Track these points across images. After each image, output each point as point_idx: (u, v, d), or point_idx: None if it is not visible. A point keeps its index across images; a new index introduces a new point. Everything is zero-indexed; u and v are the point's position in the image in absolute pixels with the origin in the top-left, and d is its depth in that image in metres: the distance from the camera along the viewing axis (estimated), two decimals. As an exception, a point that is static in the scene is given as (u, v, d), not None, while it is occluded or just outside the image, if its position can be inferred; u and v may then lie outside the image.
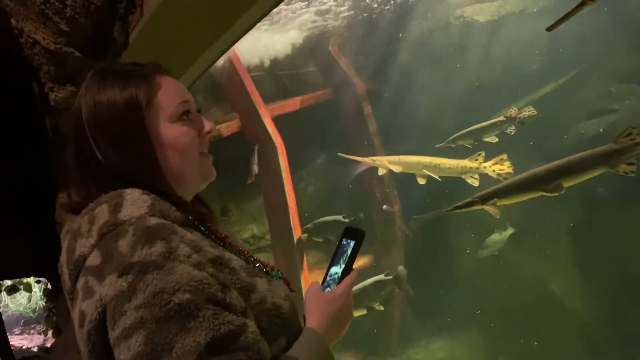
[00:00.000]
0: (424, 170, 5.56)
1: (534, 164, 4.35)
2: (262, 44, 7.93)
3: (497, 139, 6.12)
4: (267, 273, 1.36)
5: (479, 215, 7.27)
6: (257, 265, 1.37)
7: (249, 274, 1.24)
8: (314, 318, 1.35)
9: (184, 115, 1.35)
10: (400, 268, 6.85)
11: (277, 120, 7.06)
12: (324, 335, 1.32)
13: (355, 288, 6.32)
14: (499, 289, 7.44)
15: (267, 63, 8.22)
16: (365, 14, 8.19)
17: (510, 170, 4.86)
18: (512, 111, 6.09)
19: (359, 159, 6.14)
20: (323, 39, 8.51)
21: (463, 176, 5.44)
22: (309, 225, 7.04)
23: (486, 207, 3.85)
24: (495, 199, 3.73)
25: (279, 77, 8.97)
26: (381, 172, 6.34)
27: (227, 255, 1.25)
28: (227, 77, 7.13)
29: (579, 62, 6.90)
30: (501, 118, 6.11)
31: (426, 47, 8.10)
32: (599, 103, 6.85)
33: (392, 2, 7.95)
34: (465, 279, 7.79)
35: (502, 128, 6.13)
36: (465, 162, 5.51)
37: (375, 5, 7.95)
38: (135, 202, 1.23)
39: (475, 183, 5.21)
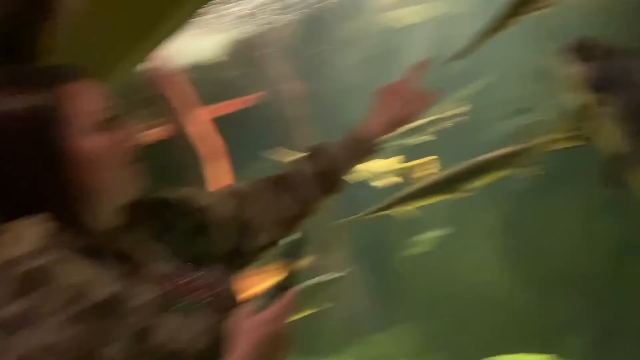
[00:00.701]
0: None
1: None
2: (195, 46, 7.84)
3: (432, 137, 6.31)
4: (189, 303, 1.23)
5: (416, 214, 7.55)
6: (178, 293, 1.24)
7: (154, 311, 1.14)
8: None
9: (104, 125, 1.25)
10: (345, 268, 6.90)
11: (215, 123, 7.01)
12: None
13: (302, 286, 6.37)
14: (434, 285, 7.72)
15: (199, 65, 8.13)
16: (298, 17, 8.28)
17: (434, 170, 4.95)
18: (446, 111, 6.29)
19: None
20: (256, 42, 8.52)
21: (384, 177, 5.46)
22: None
23: (403, 209, 4.00)
24: (404, 203, 3.89)
25: (214, 79, 8.89)
26: None
27: (128, 292, 1.13)
28: (158, 78, 6.99)
29: (499, 64, 7.26)
30: (434, 117, 6.31)
31: (357, 50, 8.30)
32: (518, 103, 7.25)
33: (322, 5, 8.07)
34: (401, 276, 8.02)
35: (436, 127, 6.31)
36: (389, 163, 5.53)
37: (306, 8, 8.04)
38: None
39: (388, 182, 5.27)
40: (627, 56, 1.91)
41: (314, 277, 6.77)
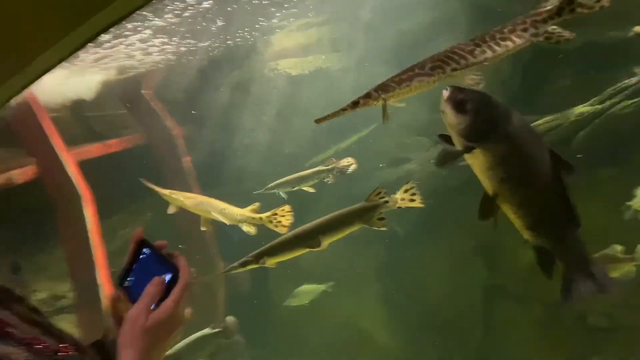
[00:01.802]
0: (213, 214, 5.40)
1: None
2: (66, 83, 7.30)
3: (313, 189, 6.34)
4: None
5: (297, 263, 7.55)
6: (45, 353, 1.13)
7: None
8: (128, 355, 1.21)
9: None
10: (229, 318, 6.63)
11: (84, 166, 6.49)
12: None
13: (177, 346, 5.96)
14: (317, 332, 7.71)
15: (71, 104, 7.57)
16: (181, 59, 8.10)
17: (288, 222, 4.95)
18: (332, 161, 6.38)
19: (157, 188, 5.73)
20: (135, 81, 8.18)
21: (240, 225, 5.35)
22: None
23: (261, 265, 4.00)
24: (266, 257, 3.89)
25: (85, 119, 8.33)
26: (171, 209, 5.84)
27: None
28: (20, 118, 6.37)
29: (380, 116, 7.64)
30: (321, 168, 6.37)
31: (242, 95, 8.29)
32: (397, 153, 7.64)
33: (210, 50, 8.00)
34: (284, 326, 7.92)
35: (321, 177, 6.36)
36: (245, 211, 5.42)
37: (192, 51, 7.91)
38: None
39: (252, 231, 5.23)
40: (497, 107, 2.08)
41: (194, 332, 6.44)
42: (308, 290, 7.27)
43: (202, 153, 8.10)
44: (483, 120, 2.06)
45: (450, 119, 2.11)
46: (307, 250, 3.91)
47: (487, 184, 2.20)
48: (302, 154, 7.87)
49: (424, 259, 7.23)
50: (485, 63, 2.61)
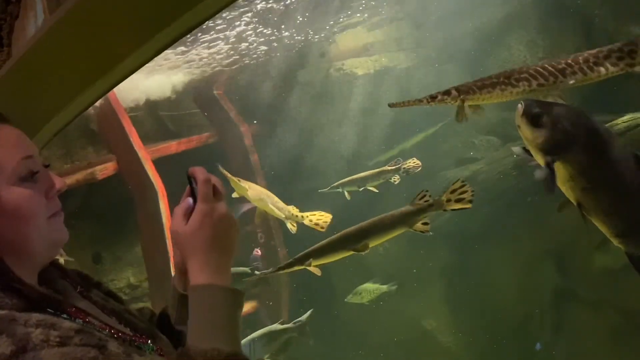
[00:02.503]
0: (270, 206, 5.55)
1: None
2: (143, 84, 7.72)
3: (377, 190, 6.36)
4: (138, 347, 1.20)
5: (363, 261, 7.60)
6: (125, 340, 1.19)
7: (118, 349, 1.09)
8: (195, 265, 1.20)
9: (27, 175, 1.15)
10: (306, 315, 6.70)
11: (158, 163, 6.84)
12: (216, 276, 1.19)
13: (248, 338, 6.13)
14: (380, 330, 7.71)
15: (147, 104, 7.99)
16: (250, 61, 8.34)
17: (325, 221, 5.04)
18: (397, 161, 6.35)
19: (227, 174, 5.90)
20: (207, 81, 8.50)
21: (286, 221, 5.46)
22: None
23: (307, 267, 4.03)
24: (311, 260, 3.91)
25: (160, 118, 8.75)
26: (235, 194, 6.04)
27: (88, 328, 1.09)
28: (102, 116, 6.81)
29: (446, 115, 7.54)
30: (386, 168, 6.37)
31: (309, 95, 8.42)
32: (464, 152, 7.51)
33: (276, 50, 8.18)
34: (348, 323, 7.98)
35: (387, 177, 6.36)
36: (290, 209, 5.53)
37: (261, 53, 8.13)
38: None
39: (293, 229, 5.32)
40: (574, 117, 2.03)
41: (264, 326, 6.60)
42: (369, 289, 7.28)
43: (270, 151, 8.30)
44: (560, 132, 2.03)
45: (527, 134, 2.09)
46: (351, 253, 3.92)
47: (570, 194, 2.16)
48: (367, 154, 7.90)
49: (491, 260, 7.07)
50: (573, 84, 2.56)
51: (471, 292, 7.16)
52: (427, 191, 3.71)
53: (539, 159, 2.12)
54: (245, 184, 5.55)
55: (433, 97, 2.80)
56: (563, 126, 2.03)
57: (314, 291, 7.93)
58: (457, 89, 2.80)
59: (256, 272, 6.46)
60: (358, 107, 8.07)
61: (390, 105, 2.79)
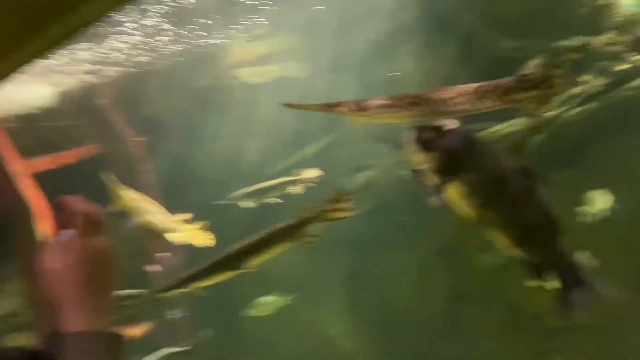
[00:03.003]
0: (149, 218, 5.32)
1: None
2: (18, 93, 7.07)
3: (280, 200, 6.29)
4: None
5: (263, 271, 7.50)
6: None
7: None
8: (69, 308, 1.09)
9: None
10: (201, 335, 6.42)
11: (39, 178, 6.29)
12: (93, 320, 1.08)
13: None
14: (282, 341, 7.66)
15: (24, 115, 7.32)
16: (138, 69, 7.97)
17: (208, 240, 4.96)
18: (297, 172, 6.29)
19: (113, 185, 5.47)
20: (93, 90, 7.99)
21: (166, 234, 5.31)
22: None
23: (188, 290, 3.92)
24: (193, 282, 3.81)
25: (40, 129, 8.07)
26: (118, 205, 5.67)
27: None
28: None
29: (342, 123, 7.70)
30: (286, 179, 6.31)
31: (203, 104, 8.21)
32: (361, 160, 7.70)
33: (165, 58, 7.89)
34: (246, 336, 7.84)
35: (287, 188, 6.29)
36: (173, 220, 5.34)
37: (149, 60, 7.79)
38: None
39: (177, 241, 5.20)
40: (463, 139, 2.14)
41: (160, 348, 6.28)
42: (269, 302, 7.20)
43: (164, 162, 7.97)
44: (452, 154, 2.16)
45: (420, 159, 2.16)
46: (238, 272, 3.80)
47: (468, 211, 2.25)
48: (266, 163, 7.85)
49: (389, 264, 7.29)
50: (460, 114, 2.69)
51: (371, 297, 7.33)
52: (310, 204, 3.64)
53: (434, 180, 2.20)
54: (132, 195, 5.26)
55: (329, 106, 2.82)
56: (454, 148, 2.13)
57: (214, 306, 7.70)
58: (355, 102, 2.83)
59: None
60: (254, 117, 8.01)
61: (285, 105, 2.77)
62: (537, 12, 6.30)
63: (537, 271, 2.33)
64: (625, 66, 5.80)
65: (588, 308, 2.26)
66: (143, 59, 7.63)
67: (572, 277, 2.30)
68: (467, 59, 6.97)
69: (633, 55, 5.82)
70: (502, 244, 2.31)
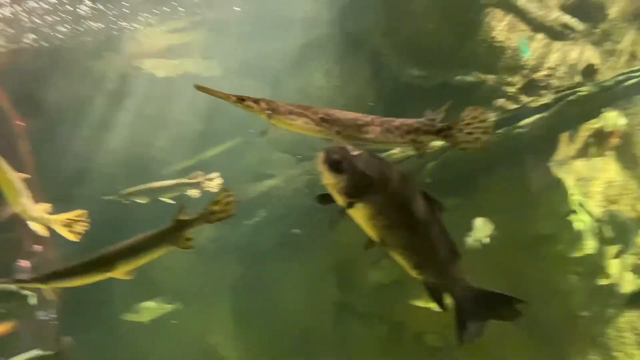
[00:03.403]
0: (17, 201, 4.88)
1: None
2: None
3: (173, 201, 6.02)
4: None
5: (148, 275, 7.14)
6: None
7: None
8: None
9: None
10: (67, 339, 5.91)
11: None
12: None
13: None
14: (162, 348, 7.35)
15: None
16: (33, 44, 7.34)
17: (83, 229, 4.64)
18: (199, 175, 6.06)
19: None
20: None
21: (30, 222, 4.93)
22: None
23: (46, 287, 3.63)
24: (50, 281, 3.54)
25: None
26: None
27: None
28: None
29: (246, 129, 7.59)
30: (185, 180, 6.06)
31: (103, 91, 7.73)
32: (261, 168, 7.63)
33: (67, 36, 7.36)
34: (126, 343, 7.44)
35: (183, 190, 6.04)
36: (41, 209, 4.97)
37: (47, 36, 7.22)
38: None
39: (42, 232, 4.85)
40: (371, 161, 2.19)
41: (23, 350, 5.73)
42: (151, 308, 6.89)
43: (50, 149, 7.37)
44: (359, 177, 2.18)
45: (329, 180, 2.19)
46: (107, 276, 3.52)
47: (371, 232, 2.30)
48: (161, 161, 7.52)
49: (280, 275, 7.26)
50: (364, 142, 2.76)
51: (258, 307, 7.25)
52: (187, 207, 3.45)
53: (340, 202, 2.23)
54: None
55: (241, 99, 2.76)
56: (361, 171, 2.18)
57: (92, 307, 7.22)
58: (269, 103, 2.79)
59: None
60: (156, 112, 7.67)
61: (196, 87, 2.66)
62: (442, 45, 6.65)
63: (435, 293, 2.42)
64: (515, 106, 6.28)
65: (483, 331, 2.37)
66: (34, 36, 7.05)
67: (466, 300, 2.39)
68: (375, 81, 7.18)
69: (523, 97, 6.32)
70: (402, 266, 2.38)
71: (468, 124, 2.68)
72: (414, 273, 2.40)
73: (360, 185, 2.18)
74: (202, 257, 7.15)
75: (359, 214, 2.24)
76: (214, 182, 6.12)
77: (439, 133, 2.73)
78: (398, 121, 2.83)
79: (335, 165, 2.16)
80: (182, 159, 7.52)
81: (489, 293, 2.40)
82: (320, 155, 2.17)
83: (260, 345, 7.32)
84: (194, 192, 5.99)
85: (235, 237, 7.18)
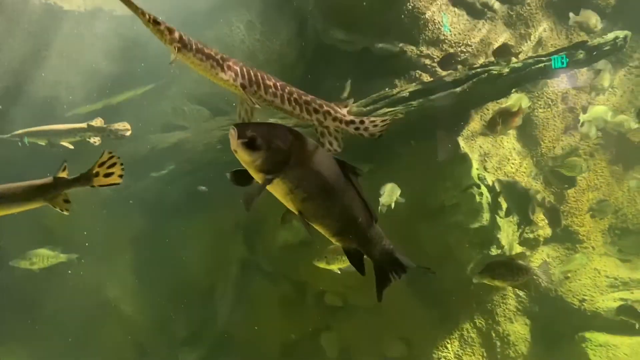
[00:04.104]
0: None
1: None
2: None
3: (72, 146, 5.66)
4: None
5: (42, 221, 6.71)
6: None
7: None
8: None
9: None
10: None
11: None
12: None
13: None
14: (56, 299, 7.04)
15: None
16: None
17: None
18: (98, 121, 5.73)
19: None
20: None
21: None
22: None
23: None
24: None
25: None
26: None
27: None
28: None
29: (159, 76, 7.20)
30: (84, 125, 5.70)
31: (2, 23, 6.97)
32: (173, 119, 7.31)
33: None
34: (17, 291, 7.03)
35: (84, 136, 5.70)
36: None
37: None
38: None
39: None
40: (285, 135, 2.16)
41: None
42: (44, 255, 6.52)
43: None
44: (276, 151, 2.15)
45: (244, 157, 2.14)
46: None
47: (291, 206, 2.28)
48: (64, 102, 6.97)
49: (185, 230, 7.09)
50: (266, 104, 2.80)
51: (160, 262, 7.07)
52: (65, 162, 3.18)
53: (258, 178, 2.20)
54: None
55: (156, 23, 2.61)
56: (277, 145, 2.14)
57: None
58: (180, 35, 2.67)
59: None
60: (61, 47, 7.05)
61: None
62: (368, 11, 6.61)
63: (355, 259, 2.46)
64: (430, 79, 6.43)
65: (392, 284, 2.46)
66: None
67: (385, 260, 2.47)
68: (297, 39, 7.05)
69: (439, 70, 6.48)
70: (323, 233, 2.41)
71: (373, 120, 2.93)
72: (334, 240, 2.43)
73: (278, 161, 2.14)
74: (104, 207, 6.81)
75: (278, 189, 2.23)
76: (122, 131, 5.81)
77: (348, 124, 2.88)
78: (310, 97, 2.84)
79: (251, 142, 2.10)
80: (89, 102, 7.03)
81: (400, 260, 2.48)
82: (233, 133, 2.10)
83: (160, 301, 7.19)
84: (95, 140, 5.66)
85: (141, 188, 6.89)
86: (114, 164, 3.07)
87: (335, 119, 2.88)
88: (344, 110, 2.91)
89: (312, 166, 2.24)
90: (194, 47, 2.73)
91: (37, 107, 6.85)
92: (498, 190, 6.32)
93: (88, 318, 7.02)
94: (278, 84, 2.83)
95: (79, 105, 6.96)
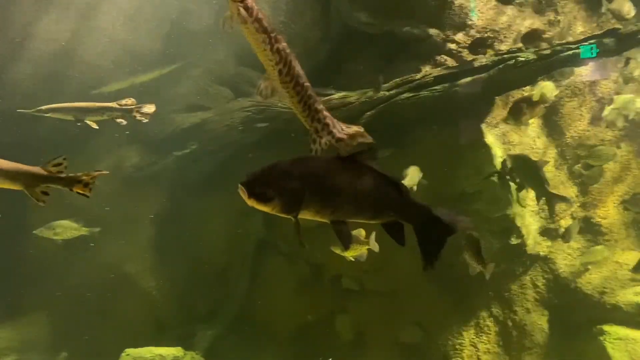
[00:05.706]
0: None
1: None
2: None
3: (96, 126, 5.69)
4: None
5: (63, 195, 6.81)
6: None
7: None
8: None
9: None
10: None
11: None
12: None
13: None
14: (78, 273, 7.18)
15: None
16: None
17: None
18: (129, 101, 5.73)
19: None
20: None
21: None
22: None
23: None
24: None
25: None
26: None
27: None
28: None
29: (185, 56, 7.23)
30: (114, 104, 5.71)
31: None
32: (196, 99, 7.33)
33: None
34: (40, 261, 7.19)
35: (112, 115, 5.71)
36: None
37: None
38: None
39: None
40: (292, 172, 2.18)
41: None
42: (66, 227, 6.65)
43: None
44: (290, 195, 2.19)
45: (262, 209, 2.19)
46: None
47: (322, 220, 2.36)
48: (90, 79, 7.02)
49: (205, 209, 7.15)
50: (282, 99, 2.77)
51: (179, 240, 7.16)
52: (65, 159, 3.20)
53: (286, 217, 2.26)
54: None
55: None
56: (289, 188, 2.18)
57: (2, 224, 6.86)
58: (251, 2, 2.70)
59: None
60: (89, 23, 7.07)
61: None
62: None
63: (394, 232, 2.46)
64: (456, 64, 6.32)
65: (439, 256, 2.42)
66: None
67: (427, 225, 2.46)
68: (322, 21, 6.98)
69: (466, 55, 6.37)
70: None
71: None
72: (373, 222, 2.47)
73: (294, 201, 2.19)
74: (125, 184, 6.92)
75: (306, 215, 2.29)
76: (146, 111, 5.81)
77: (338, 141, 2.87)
78: (321, 105, 2.90)
79: (262, 196, 2.12)
80: (115, 77, 7.07)
81: (442, 219, 2.47)
82: (243, 192, 2.13)
83: (179, 278, 7.29)
84: (120, 120, 5.68)
85: (163, 167, 6.97)
86: (88, 181, 3.20)
87: (329, 132, 2.89)
88: (344, 129, 2.91)
89: (329, 186, 2.28)
90: (254, 14, 2.72)
91: (62, 82, 6.92)
92: (509, 166, 6.14)
93: (108, 292, 7.15)
94: (306, 84, 2.87)
95: (105, 84, 7.01)
